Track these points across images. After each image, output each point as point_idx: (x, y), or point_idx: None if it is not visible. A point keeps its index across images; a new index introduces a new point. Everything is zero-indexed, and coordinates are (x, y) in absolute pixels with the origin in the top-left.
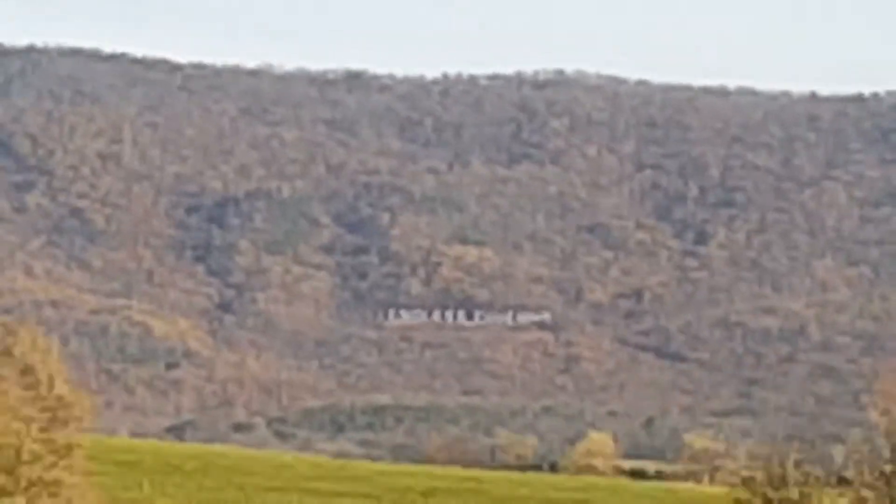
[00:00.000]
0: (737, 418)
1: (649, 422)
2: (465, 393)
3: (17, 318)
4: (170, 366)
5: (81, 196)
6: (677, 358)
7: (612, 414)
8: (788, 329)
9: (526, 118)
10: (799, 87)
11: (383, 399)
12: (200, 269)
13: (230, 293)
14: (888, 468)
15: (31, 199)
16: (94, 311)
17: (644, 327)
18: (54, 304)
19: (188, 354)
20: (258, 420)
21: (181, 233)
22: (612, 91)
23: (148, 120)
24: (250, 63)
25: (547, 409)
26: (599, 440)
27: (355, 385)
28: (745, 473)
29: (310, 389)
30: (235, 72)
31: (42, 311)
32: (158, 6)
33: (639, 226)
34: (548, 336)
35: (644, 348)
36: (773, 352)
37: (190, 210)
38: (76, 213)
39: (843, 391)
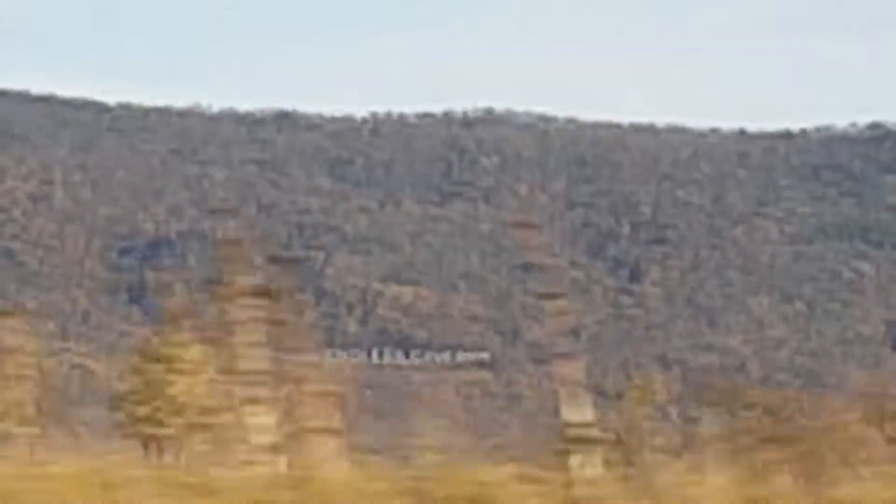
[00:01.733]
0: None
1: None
2: (410, 434)
3: None
4: (113, 408)
5: (14, 237)
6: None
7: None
8: (728, 366)
9: (456, 156)
10: (728, 123)
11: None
12: (135, 310)
13: None
14: None
15: None
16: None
17: (583, 365)
18: None
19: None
20: None
21: (115, 274)
22: (541, 129)
23: (78, 161)
24: (179, 103)
25: (497, 448)
26: None
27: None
28: None
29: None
30: (164, 112)
31: None
32: (84, 46)
33: (572, 264)
34: (488, 375)
35: (584, 387)
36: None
37: (123, 251)
38: (8, 254)
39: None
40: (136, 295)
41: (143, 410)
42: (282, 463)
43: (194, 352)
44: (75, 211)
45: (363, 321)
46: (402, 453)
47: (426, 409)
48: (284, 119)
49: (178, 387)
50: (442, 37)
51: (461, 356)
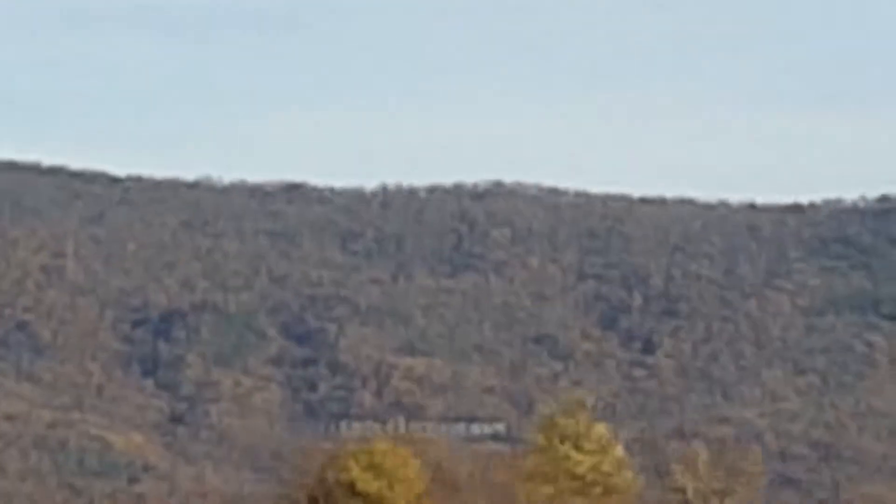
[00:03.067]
0: None
1: None
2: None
3: None
4: (132, 480)
5: (27, 310)
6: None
7: None
8: (744, 439)
9: (466, 229)
10: (736, 196)
11: None
12: (150, 382)
13: (182, 406)
14: None
15: None
16: (50, 426)
17: None
18: (9, 418)
19: (148, 468)
20: None
21: (128, 347)
22: (551, 202)
23: (89, 233)
24: (189, 175)
25: None
26: None
27: None
28: None
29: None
30: (174, 184)
31: None
32: (93, 119)
33: (584, 336)
34: (504, 447)
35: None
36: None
37: (136, 324)
38: (22, 326)
39: (809, 502)
40: (150, 367)
41: (546, 489)
42: None
43: (600, 430)
44: (87, 283)
45: (378, 393)
46: None
47: (445, 483)
48: (294, 191)
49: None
50: (448, 110)
51: (476, 428)
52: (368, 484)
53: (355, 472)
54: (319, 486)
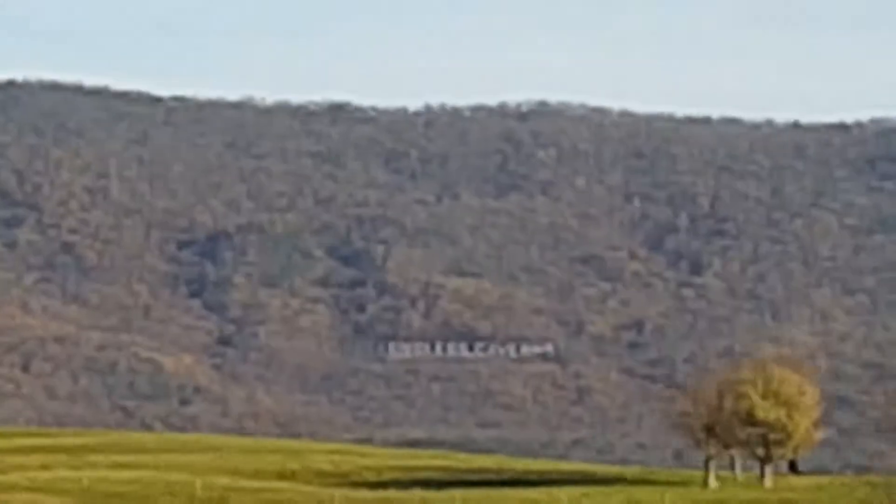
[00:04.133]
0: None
1: (678, 454)
2: (481, 426)
3: (24, 355)
4: (183, 402)
5: (72, 231)
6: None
7: (641, 446)
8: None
9: (512, 149)
10: (781, 116)
11: (416, 433)
12: (197, 303)
13: (230, 328)
14: None
15: (22, 234)
16: (100, 348)
17: (649, 358)
18: (58, 340)
19: (199, 390)
20: None
21: (174, 267)
22: (596, 121)
23: (134, 154)
24: (231, 96)
25: (576, 442)
26: None
27: (370, 419)
28: None
29: (326, 423)
30: (217, 105)
31: (47, 348)
32: (135, 38)
33: (632, 256)
34: (554, 368)
35: (653, 379)
36: None
37: (182, 245)
38: (68, 248)
39: (863, 421)
40: (197, 289)
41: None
42: None
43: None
44: (132, 204)
45: (426, 314)
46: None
47: (496, 404)
48: (338, 111)
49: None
50: (491, 28)
51: (525, 349)
52: (767, 412)
53: (754, 400)
54: (716, 414)
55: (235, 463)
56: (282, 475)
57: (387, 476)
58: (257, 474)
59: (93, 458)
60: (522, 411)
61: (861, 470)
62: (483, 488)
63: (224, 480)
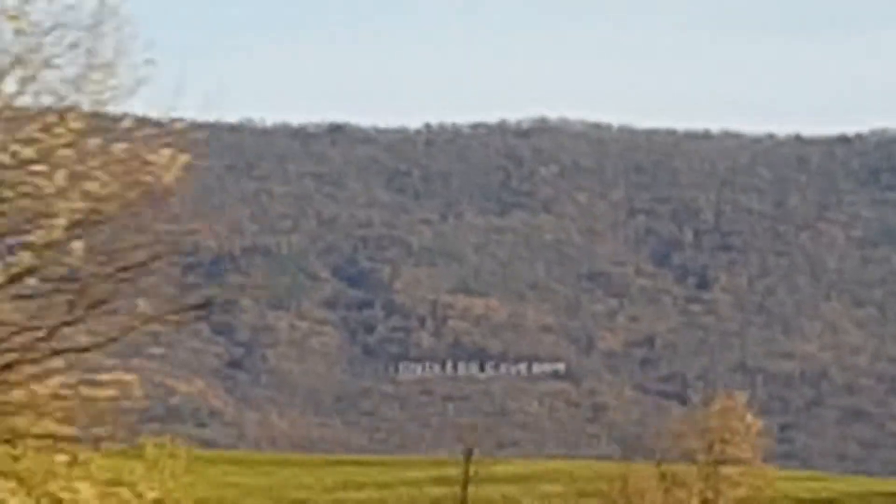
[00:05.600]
0: (784, 463)
1: None
2: (500, 446)
3: None
4: (199, 425)
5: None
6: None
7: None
8: (810, 373)
9: (513, 166)
10: (782, 128)
11: (438, 453)
12: (204, 327)
13: (239, 351)
14: None
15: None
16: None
17: (661, 374)
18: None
19: (214, 413)
20: None
21: (181, 291)
22: (596, 137)
23: None
24: (229, 117)
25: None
26: None
27: (387, 440)
28: None
29: (343, 445)
30: (216, 128)
31: None
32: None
33: (639, 272)
34: (567, 386)
35: (666, 395)
36: (799, 396)
37: (186, 268)
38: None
39: (881, 434)
40: (204, 312)
41: None
42: None
43: None
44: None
45: (436, 334)
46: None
47: (512, 423)
48: (337, 132)
49: None
50: (488, 45)
51: (537, 367)
52: None
53: None
54: None
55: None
56: None
57: None
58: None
59: None
60: (539, 430)
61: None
62: None
63: None
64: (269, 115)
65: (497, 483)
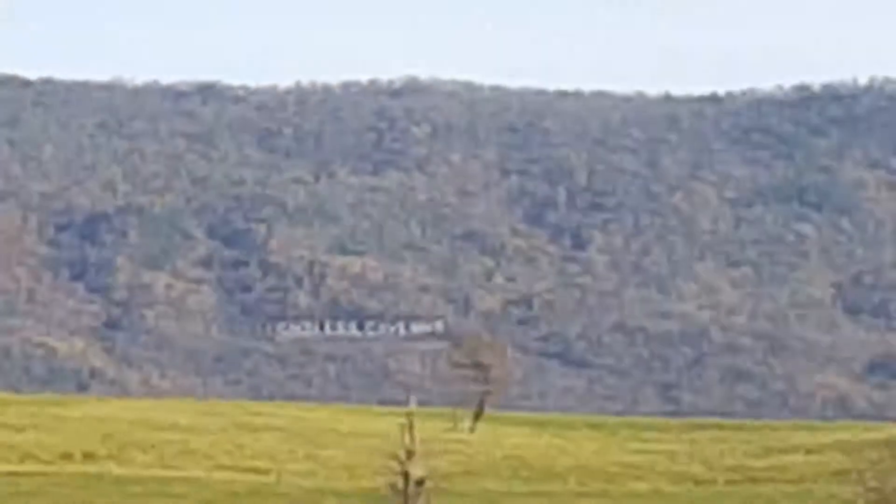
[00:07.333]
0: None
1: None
2: (383, 403)
3: None
4: (81, 386)
5: None
6: (583, 364)
7: None
8: (690, 332)
9: (385, 126)
10: (652, 88)
11: None
12: (80, 287)
13: (116, 311)
14: None
15: None
16: None
17: (541, 334)
18: None
19: (95, 374)
20: None
21: (55, 251)
22: (468, 97)
23: (5, 137)
24: (100, 77)
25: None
26: None
27: (270, 399)
28: None
29: None
30: (87, 86)
31: None
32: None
33: (514, 232)
34: (447, 346)
35: (547, 355)
36: (680, 356)
37: (60, 228)
38: None
39: (766, 394)
40: (79, 271)
41: None
42: None
43: None
44: (8, 187)
45: (314, 293)
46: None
47: (395, 381)
48: (208, 91)
49: None
50: (358, 4)
51: (416, 327)
52: None
53: None
54: None
55: None
56: None
57: None
58: None
59: None
60: (423, 390)
61: None
62: None
63: None
64: (139, 74)
65: None
